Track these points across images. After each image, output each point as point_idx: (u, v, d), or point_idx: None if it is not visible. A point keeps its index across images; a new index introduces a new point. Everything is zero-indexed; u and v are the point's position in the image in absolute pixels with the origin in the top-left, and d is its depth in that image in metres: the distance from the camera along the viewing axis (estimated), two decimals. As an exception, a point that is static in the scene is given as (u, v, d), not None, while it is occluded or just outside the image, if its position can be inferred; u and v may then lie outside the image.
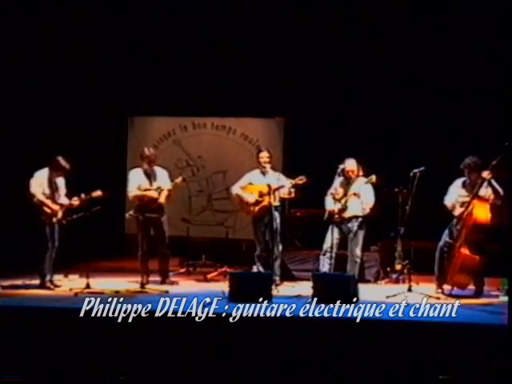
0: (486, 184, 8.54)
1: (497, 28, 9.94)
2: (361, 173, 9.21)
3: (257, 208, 9.51)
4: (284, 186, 9.36)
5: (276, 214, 9.49)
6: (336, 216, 9.11)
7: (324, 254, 9.21)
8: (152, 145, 10.44)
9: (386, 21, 10.83)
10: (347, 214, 9.16)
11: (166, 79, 11.72)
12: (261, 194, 9.48)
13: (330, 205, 9.23)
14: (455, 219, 8.81)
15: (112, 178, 10.94)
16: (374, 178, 9.01)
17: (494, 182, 8.52)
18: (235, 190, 9.79)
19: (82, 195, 9.21)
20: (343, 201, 9.13)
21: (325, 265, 9.17)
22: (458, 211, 8.77)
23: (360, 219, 9.20)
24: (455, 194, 8.88)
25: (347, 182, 9.23)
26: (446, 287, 8.76)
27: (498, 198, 8.53)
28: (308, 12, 10.95)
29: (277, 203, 9.50)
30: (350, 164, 9.20)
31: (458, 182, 8.92)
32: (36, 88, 11.16)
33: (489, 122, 10.02)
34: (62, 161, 9.17)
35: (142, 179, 9.55)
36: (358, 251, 9.24)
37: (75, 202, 9.19)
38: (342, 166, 9.18)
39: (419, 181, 8.82)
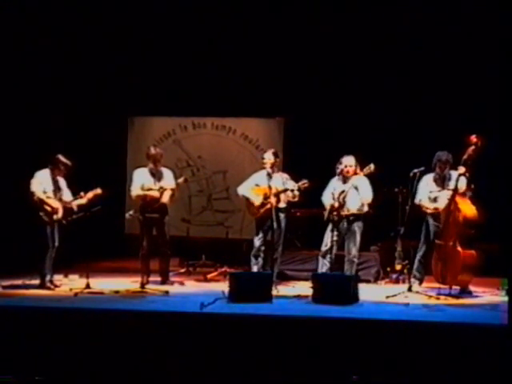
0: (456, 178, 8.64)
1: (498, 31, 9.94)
2: (358, 170, 9.18)
3: (262, 210, 9.50)
4: (288, 189, 9.35)
5: (281, 216, 9.50)
6: (334, 213, 9.05)
7: (323, 256, 9.17)
8: (152, 145, 10.43)
9: (385, 20, 10.83)
10: (345, 212, 9.11)
11: (166, 79, 11.73)
12: (266, 196, 9.47)
13: (330, 201, 9.15)
14: (430, 217, 8.92)
15: (112, 178, 10.97)
16: (372, 166, 8.94)
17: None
18: (241, 191, 9.77)
19: (82, 193, 9.23)
20: (341, 197, 9.07)
21: (323, 266, 9.14)
22: (431, 206, 8.91)
23: (358, 217, 9.17)
24: (426, 191, 8.98)
25: (344, 180, 9.21)
26: (444, 287, 8.75)
27: (469, 189, 8.67)
28: (308, 12, 10.95)
29: (283, 205, 9.49)
30: (349, 160, 9.17)
31: (427, 178, 9.01)
32: (36, 88, 11.16)
33: (488, 121, 10.01)
34: (62, 158, 9.19)
35: (147, 179, 9.54)
36: (355, 251, 9.20)
37: (80, 199, 9.20)
38: (341, 167, 9.18)
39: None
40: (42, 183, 9.14)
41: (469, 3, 10.26)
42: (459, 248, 8.53)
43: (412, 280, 8.91)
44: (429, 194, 8.97)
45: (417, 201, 8.98)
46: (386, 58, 11.16)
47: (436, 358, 6.65)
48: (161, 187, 9.43)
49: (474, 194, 8.73)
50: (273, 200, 9.28)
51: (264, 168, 9.59)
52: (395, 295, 8.44)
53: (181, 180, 9.71)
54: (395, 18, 10.76)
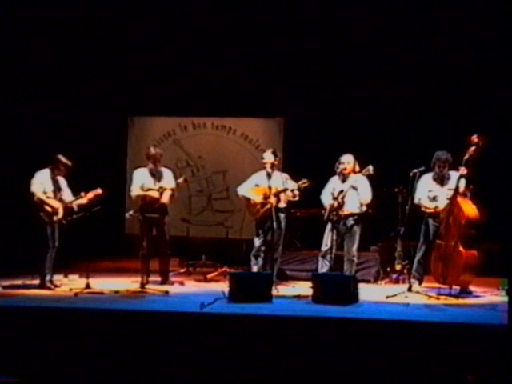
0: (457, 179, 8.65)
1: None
2: (357, 169, 9.17)
3: (262, 210, 9.49)
4: (287, 189, 9.34)
5: (282, 216, 9.49)
6: (334, 213, 9.03)
7: (323, 256, 9.16)
8: (152, 145, 10.44)
9: (385, 20, 10.83)
10: (344, 211, 9.09)
11: (167, 79, 11.72)
12: (265, 196, 9.47)
13: (329, 201, 9.14)
14: (430, 217, 8.92)
15: (112, 178, 10.96)
16: (371, 168, 8.92)
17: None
18: (241, 191, 9.77)
19: (82, 193, 9.23)
20: (340, 197, 9.07)
21: (324, 266, 9.14)
22: (430, 205, 8.90)
23: (357, 217, 9.15)
24: (425, 190, 8.98)
25: (343, 179, 9.20)
26: (444, 287, 8.75)
27: (468, 190, 8.70)
28: (307, 12, 10.94)
29: (283, 205, 9.49)
30: (347, 158, 9.16)
31: (425, 178, 9.00)
32: (36, 88, 11.15)
33: (488, 121, 10.01)
34: (62, 158, 9.19)
35: (147, 179, 9.53)
36: (354, 250, 9.19)
37: (80, 199, 9.20)
38: (340, 167, 9.17)
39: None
40: (42, 183, 9.14)
41: (470, 2, 10.27)
42: (461, 248, 8.53)
43: (412, 280, 8.90)
44: (428, 193, 8.97)
45: (416, 200, 8.98)
46: (386, 58, 11.15)
47: (436, 357, 6.65)
48: (161, 187, 9.43)
49: (475, 194, 8.73)
50: (273, 200, 9.28)
51: (264, 168, 9.59)
52: (395, 295, 8.44)
53: (181, 180, 9.71)
54: (395, 18, 10.76)
